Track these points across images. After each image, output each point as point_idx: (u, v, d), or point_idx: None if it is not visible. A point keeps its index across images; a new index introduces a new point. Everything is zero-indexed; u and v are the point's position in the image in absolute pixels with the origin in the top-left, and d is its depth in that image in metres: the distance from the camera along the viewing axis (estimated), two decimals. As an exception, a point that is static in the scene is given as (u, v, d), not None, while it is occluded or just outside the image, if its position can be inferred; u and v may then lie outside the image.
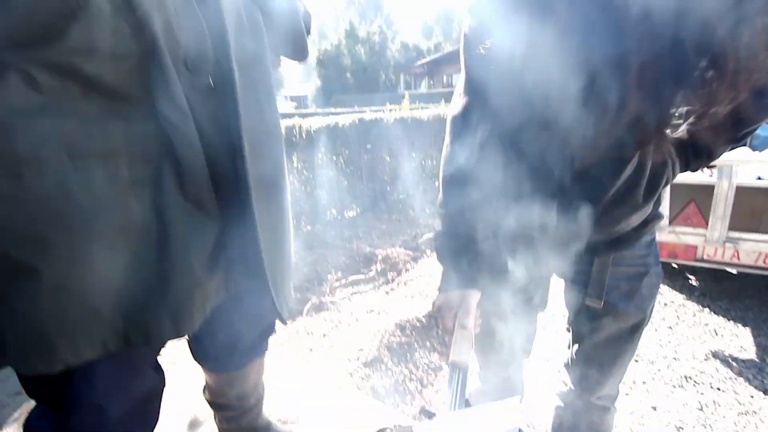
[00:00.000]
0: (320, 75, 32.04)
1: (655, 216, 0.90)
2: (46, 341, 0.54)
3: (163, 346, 0.74)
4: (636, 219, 0.85)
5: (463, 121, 0.79)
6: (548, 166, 0.76)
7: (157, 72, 0.53)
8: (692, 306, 2.61)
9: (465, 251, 0.81)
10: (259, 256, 0.68)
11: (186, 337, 0.97)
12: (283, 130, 0.75)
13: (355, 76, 31.28)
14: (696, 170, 0.92)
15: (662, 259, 2.63)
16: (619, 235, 0.87)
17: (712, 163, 2.42)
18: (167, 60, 0.53)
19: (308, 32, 0.78)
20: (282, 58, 0.81)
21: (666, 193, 2.45)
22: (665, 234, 2.53)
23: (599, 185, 0.77)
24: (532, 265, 0.97)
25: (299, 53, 0.78)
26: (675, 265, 3.03)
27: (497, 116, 0.74)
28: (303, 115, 7.40)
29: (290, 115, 7.46)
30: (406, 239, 3.60)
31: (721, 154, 0.90)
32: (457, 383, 0.63)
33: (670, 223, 2.49)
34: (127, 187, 0.55)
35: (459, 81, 0.85)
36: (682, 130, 0.91)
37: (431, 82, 28.94)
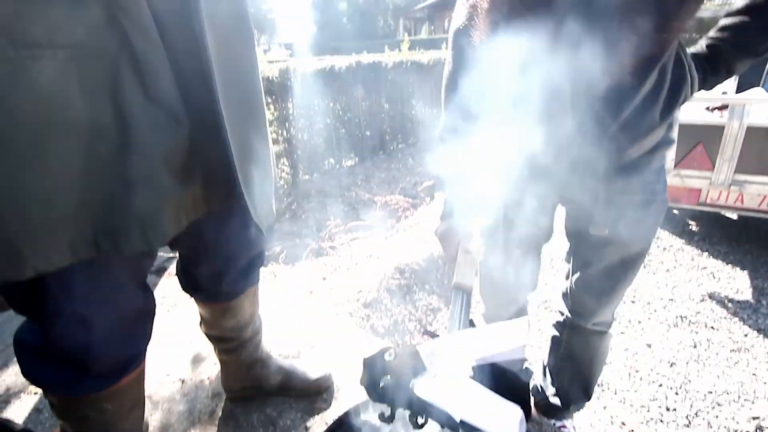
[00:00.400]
0: (316, 21, 30.54)
1: (667, 140, 0.85)
2: (11, 246, 0.52)
3: (142, 259, 0.72)
4: (649, 141, 0.80)
5: (465, 33, 0.73)
6: (562, 78, 0.70)
7: None
8: (691, 250, 2.62)
9: (468, 177, 0.77)
10: (230, 165, 0.64)
11: (176, 268, 0.95)
12: (251, 26, 0.69)
13: (351, 21, 29.80)
14: (712, 87, 0.88)
15: (664, 204, 2.61)
16: (630, 160, 0.82)
17: (725, 103, 2.33)
18: None
19: None
20: None
21: (676, 129, 2.38)
22: (670, 177, 2.48)
23: (619, 97, 0.72)
24: (539, 190, 0.94)
25: None
26: (675, 211, 3.01)
27: (511, 26, 0.67)
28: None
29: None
30: (405, 187, 3.55)
31: (741, 69, 0.85)
32: (462, 305, 0.62)
33: (676, 165, 2.44)
34: (82, 82, 0.51)
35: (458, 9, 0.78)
36: (701, 44, 0.86)
37: (432, 27, 27.61)
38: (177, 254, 0.92)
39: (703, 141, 2.35)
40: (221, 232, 0.83)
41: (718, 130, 2.29)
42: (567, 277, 1.06)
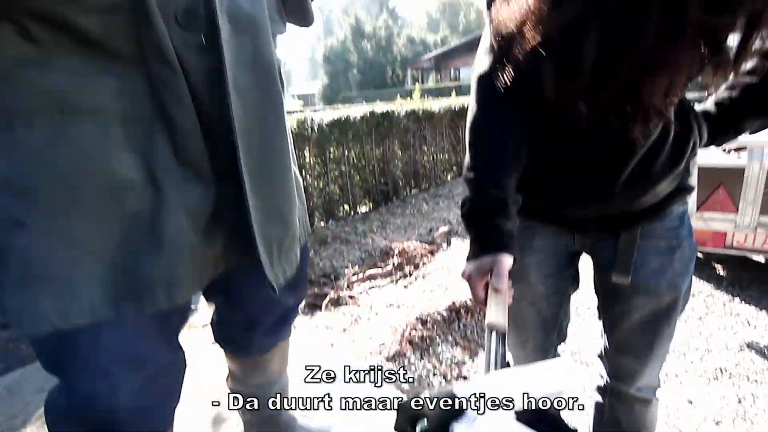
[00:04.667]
0: (327, 72, 32.03)
1: (685, 186, 0.85)
2: (32, 299, 0.53)
3: (171, 314, 0.71)
4: (664, 188, 0.81)
5: (489, 80, 0.75)
6: (576, 127, 0.72)
7: (147, 27, 0.52)
8: (721, 296, 2.53)
9: (496, 215, 0.77)
10: (248, 223, 0.66)
11: (210, 319, 0.94)
12: (281, 93, 0.73)
13: (362, 72, 31.20)
14: (722, 144, 0.89)
15: (689, 248, 2.55)
16: (647, 206, 0.82)
17: (742, 144, 2.33)
18: (157, 14, 0.52)
19: None
20: (287, 24, 0.78)
21: (693, 179, 2.37)
22: (693, 220, 2.45)
23: (625, 147, 0.74)
24: (558, 236, 0.93)
25: (303, 17, 0.75)
26: (700, 254, 2.94)
27: (524, 77, 0.70)
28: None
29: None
30: (422, 233, 3.54)
31: (750, 128, 0.88)
32: (496, 344, 0.60)
33: (698, 208, 2.41)
34: (118, 145, 0.54)
35: (483, 38, 0.81)
36: (708, 101, 0.88)
37: (439, 76, 28.73)
38: (210, 305, 0.92)
39: (723, 183, 2.33)
40: (248, 286, 0.84)
41: (738, 172, 2.28)
42: (601, 336, 1.02)
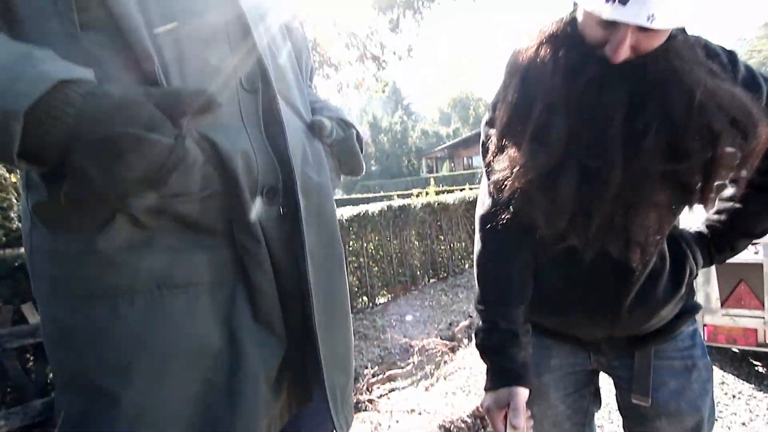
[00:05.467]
0: (346, 163, 33.79)
1: (691, 307, 0.89)
2: None
3: None
4: (668, 311, 0.85)
5: (490, 219, 0.84)
6: (575, 258, 0.79)
7: (237, 206, 0.59)
8: (764, 397, 2.36)
9: (508, 346, 0.82)
10: (320, 375, 0.68)
11: None
12: (341, 244, 0.80)
13: (379, 162, 32.87)
14: (723, 262, 0.93)
15: (720, 345, 2.45)
16: (655, 329, 0.86)
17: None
18: (246, 195, 0.59)
19: (361, 150, 0.86)
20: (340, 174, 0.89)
21: (712, 275, 2.37)
22: (719, 317, 2.39)
23: (625, 276, 0.79)
24: (574, 355, 0.95)
25: (355, 171, 0.86)
26: (736, 349, 2.80)
27: (518, 215, 0.79)
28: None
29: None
30: (442, 328, 3.50)
31: (744, 247, 0.92)
32: None
33: (722, 305, 2.36)
34: (205, 313, 0.58)
35: (483, 182, 0.92)
36: (701, 224, 0.94)
37: (452, 165, 30.01)
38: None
39: (744, 279, 2.32)
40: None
41: (757, 268, 2.27)
42: None
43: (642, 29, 0.63)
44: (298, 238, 0.64)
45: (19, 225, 4.25)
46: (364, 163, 0.86)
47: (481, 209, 0.90)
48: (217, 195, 0.58)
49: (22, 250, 3.09)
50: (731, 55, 0.77)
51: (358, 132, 0.85)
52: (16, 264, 2.63)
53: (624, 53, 0.65)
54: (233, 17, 0.61)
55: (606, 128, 0.68)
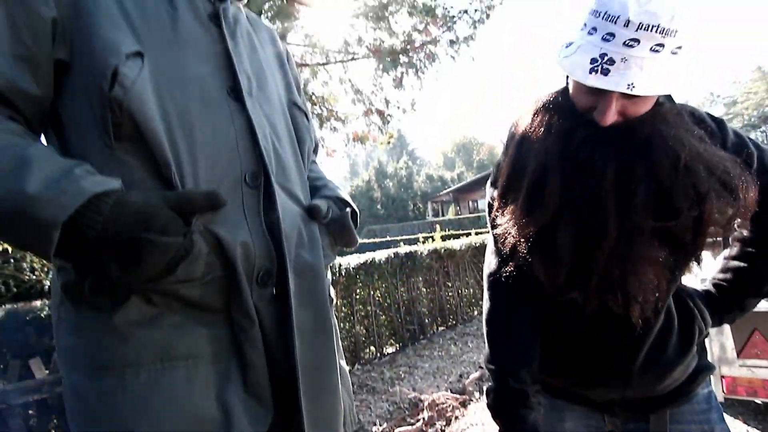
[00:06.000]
0: (352, 208, 34.17)
1: (705, 367, 0.89)
2: None
3: None
4: (681, 372, 0.85)
5: (497, 278, 0.87)
6: (583, 318, 0.80)
7: (235, 289, 0.66)
8: (795, 455, 2.24)
9: (519, 407, 0.82)
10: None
11: None
12: (334, 324, 0.84)
13: (385, 207, 33.18)
14: (733, 322, 0.94)
15: (741, 398, 2.36)
16: (668, 391, 0.86)
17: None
18: (243, 280, 0.66)
19: (356, 225, 0.91)
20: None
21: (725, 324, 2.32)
22: (736, 368, 2.32)
23: (634, 340, 0.80)
24: (588, 417, 0.94)
25: (349, 245, 0.91)
26: (759, 401, 2.68)
27: (521, 270, 0.81)
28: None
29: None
30: (452, 380, 3.41)
31: (752, 306, 0.92)
32: None
33: (739, 355, 2.30)
34: (201, 385, 0.63)
35: (489, 242, 0.95)
36: (708, 283, 0.95)
37: (458, 209, 30.20)
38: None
39: (758, 328, 2.27)
40: None
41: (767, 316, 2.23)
42: None
43: (626, 96, 0.69)
44: (288, 318, 0.69)
45: (31, 276, 4.33)
46: (358, 238, 0.91)
47: (488, 268, 0.93)
48: (218, 279, 0.65)
49: (35, 303, 3.13)
50: (718, 122, 0.83)
51: (353, 209, 0.92)
52: (28, 318, 2.66)
53: (611, 117, 0.70)
54: (242, 125, 0.70)
55: (599, 182, 0.72)
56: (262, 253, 0.68)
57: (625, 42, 0.64)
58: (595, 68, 0.66)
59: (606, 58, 0.66)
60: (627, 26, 0.64)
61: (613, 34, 0.65)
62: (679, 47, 0.66)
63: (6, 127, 0.57)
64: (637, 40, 0.64)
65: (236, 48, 0.74)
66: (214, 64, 0.70)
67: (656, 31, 0.63)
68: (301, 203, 0.80)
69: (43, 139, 0.68)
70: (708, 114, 0.83)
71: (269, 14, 4.29)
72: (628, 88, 0.65)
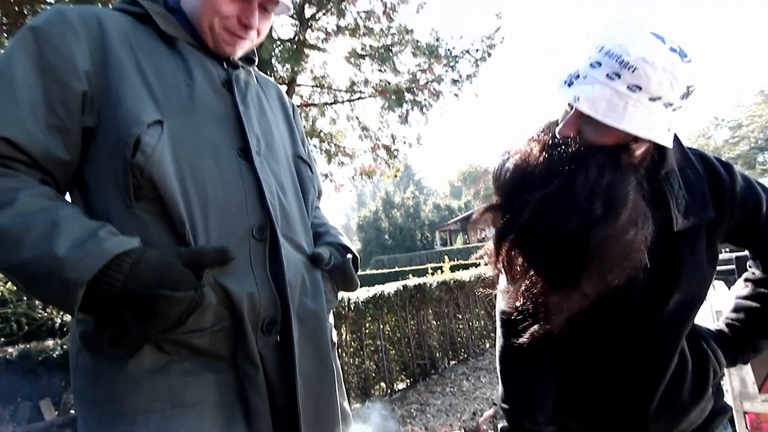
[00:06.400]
0: (360, 238, 34.28)
1: (721, 409, 0.88)
2: None
3: None
4: (697, 415, 0.85)
5: (509, 316, 0.87)
6: (598, 362, 0.80)
7: (241, 337, 0.69)
8: (830, 498, 2.12)
9: None
10: None
11: None
12: (337, 367, 0.86)
13: (393, 237, 33.15)
14: (747, 362, 0.93)
15: (768, 435, 2.26)
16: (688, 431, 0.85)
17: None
18: (249, 328, 0.69)
19: (356, 269, 0.95)
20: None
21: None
22: (759, 404, 2.23)
23: (650, 383, 0.80)
24: None
25: (350, 289, 0.95)
26: (788, 439, 2.56)
27: (528, 298, 0.81)
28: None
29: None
30: (466, 419, 3.31)
31: (767, 347, 0.91)
32: None
33: (760, 390, 2.22)
34: (209, 429, 0.65)
35: (501, 277, 0.95)
36: (721, 323, 0.95)
37: (466, 237, 30.07)
38: None
39: (779, 360, 2.20)
40: None
41: (790, 348, 2.17)
42: None
43: (587, 119, 0.71)
44: (291, 363, 0.72)
45: (43, 314, 4.38)
46: (359, 282, 0.95)
47: (500, 304, 0.94)
48: (225, 329, 0.69)
49: (47, 342, 3.16)
50: (727, 167, 0.83)
51: (354, 255, 0.96)
52: (40, 359, 2.68)
53: (567, 128, 0.75)
54: (250, 182, 0.75)
55: (577, 195, 0.73)
56: (267, 302, 0.72)
57: (591, 63, 0.71)
58: (567, 81, 0.74)
59: (576, 73, 0.73)
60: (600, 50, 0.71)
61: (589, 56, 0.73)
62: (655, 97, 0.68)
63: (40, 191, 0.63)
64: (600, 63, 0.70)
65: (247, 111, 0.80)
66: (227, 127, 0.76)
67: (616, 60, 0.68)
68: (304, 251, 0.83)
69: (68, 196, 0.73)
70: (717, 159, 0.85)
71: (279, 58, 4.50)
72: (573, 99, 0.70)
